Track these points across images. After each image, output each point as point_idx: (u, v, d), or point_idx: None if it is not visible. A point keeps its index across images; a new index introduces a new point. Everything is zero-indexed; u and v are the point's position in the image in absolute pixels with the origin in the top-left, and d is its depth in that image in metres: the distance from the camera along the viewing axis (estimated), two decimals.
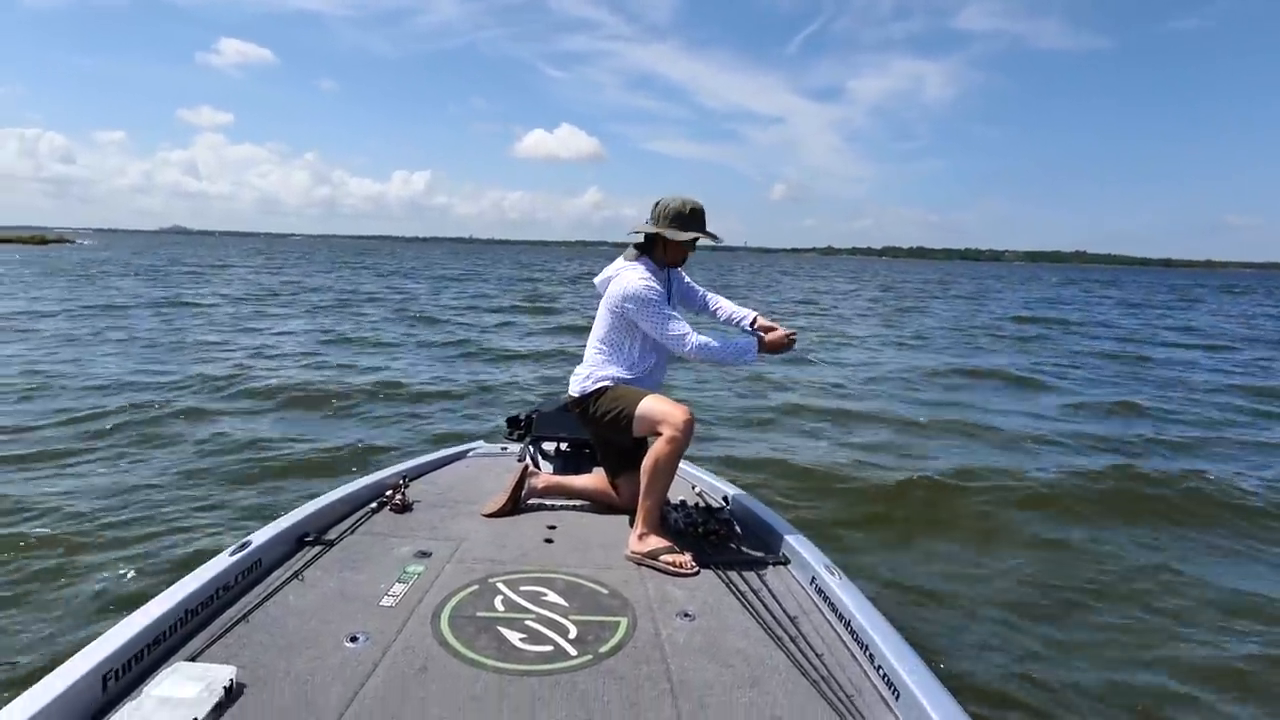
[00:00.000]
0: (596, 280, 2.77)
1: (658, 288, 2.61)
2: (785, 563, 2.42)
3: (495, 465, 3.38)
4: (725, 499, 2.93)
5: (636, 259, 2.68)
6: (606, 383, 2.65)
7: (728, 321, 2.90)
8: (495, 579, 2.20)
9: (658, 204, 2.66)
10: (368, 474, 3.02)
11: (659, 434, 2.49)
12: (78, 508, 4.09)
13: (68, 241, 79.22)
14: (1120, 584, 3.69)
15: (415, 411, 6.93)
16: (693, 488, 3.11)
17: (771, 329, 2.73)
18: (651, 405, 2.53)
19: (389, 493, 2.81)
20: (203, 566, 2.01)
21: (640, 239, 2.71)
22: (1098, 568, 3.86)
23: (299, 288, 23.48)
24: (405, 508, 2.76)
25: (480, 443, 3.71)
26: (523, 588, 2.16)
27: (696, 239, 2.68)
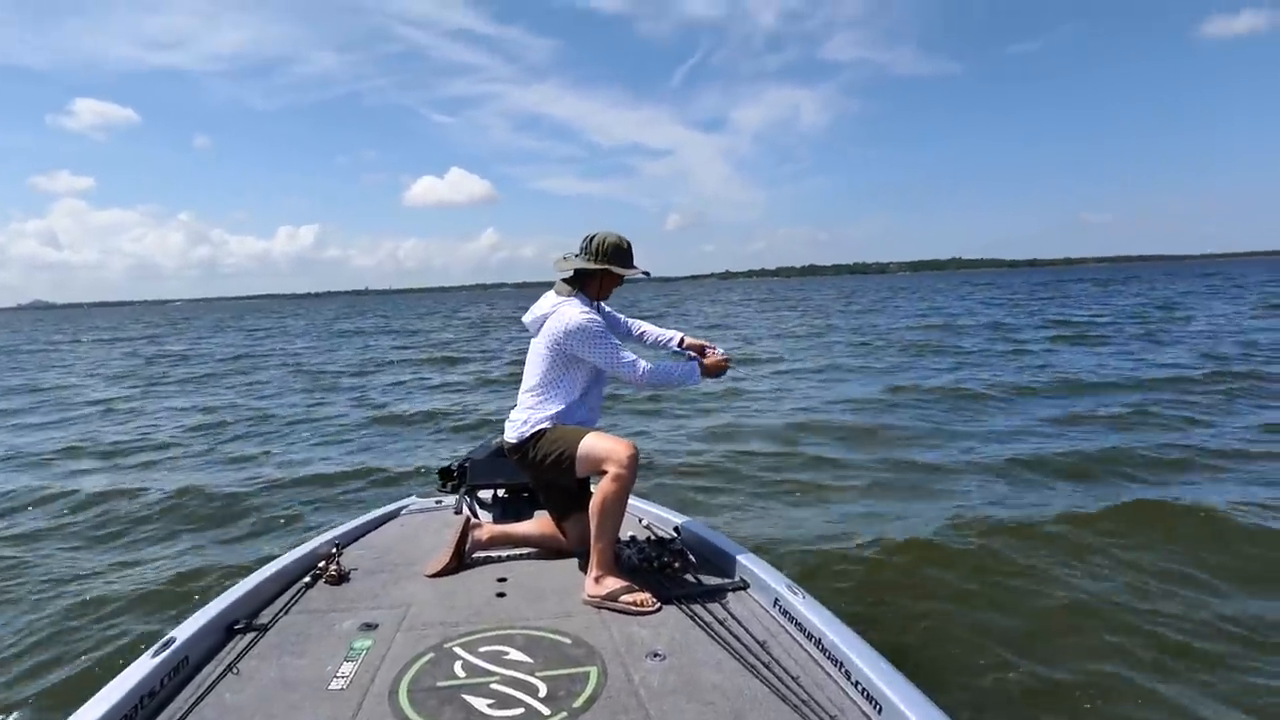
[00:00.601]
0: (526, 319, 2.72)
1: (600, 319, 2.61)
2: (745, 587, 2.41)
3: (432, 521, 3.23)
4: (675, 529, 2.90)
5: (571, 294, 2.66)
6: (545, 424, 2.59)
7: (655, 345, 2.97)
8: (451, 643, 2.09)
9: (592, 239, 2.65)
10: (294, 547, 2.81)
11: (604, 472, 2.45)
12: None
13: None
14: (1108, 604, 3.55)
15: (331, 493, 6.12)
16: (640, 521, 3.06)
17: (699, 346, 2.84)
18: (593, 443, 2.49)
19: (321, 564, 2.63)
20: (121, 674, 1.80)
21: (569, 274, 2.69)
22: (1083, 590, 3.70)
23: (175, 359, 21.66)
24: (342, 578, 2.58)
25: (412, 498, 3.54)
26: (482, 649, 2.05)
27: (643, 274, 2.75)
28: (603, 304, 2.87)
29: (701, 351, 2.80)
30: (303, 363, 18.78)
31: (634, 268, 2.71)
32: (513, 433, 2.65)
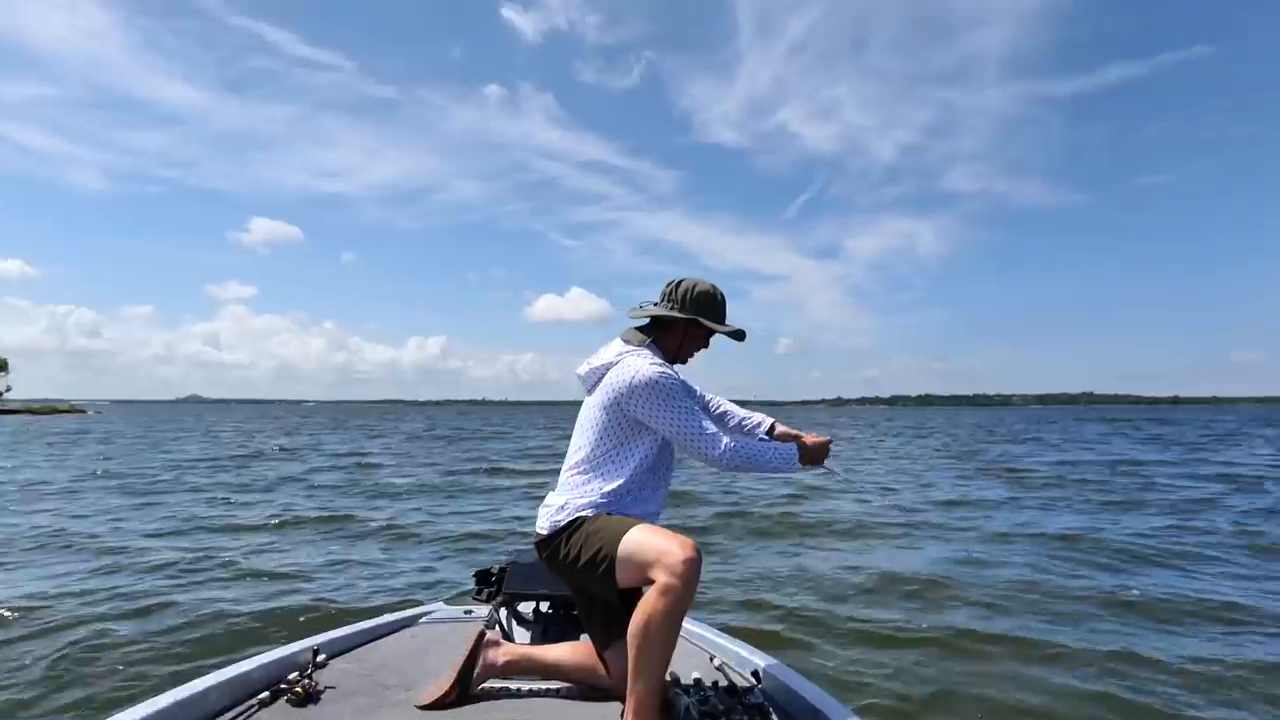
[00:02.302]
0: (580, 371, 2.13)
1: (677, 376, 2.02)
2: None
3: (452, 635, 2.60)
4: (755, 674, 2.15)
5: (643, 343, 2.10)
6: (586, 512, 1.97)
7: (739, 429, 2.33)
8: None
9: (679, 285, 2.11)
10: (274, 647, 2.25)
11: (651, 581, 1.78)
12: None
13: (79, 412, 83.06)
14: None
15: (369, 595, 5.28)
16: (711, 659, 2.32)
17: (793, 435, 2.21)
18: (641, 539, 1.83)
19: (292, 676, 2.05)
20: None
21: (644, 322, 2.14)
22: None
23: (291, 455, 22.79)
24: (309, 697, 1.98)
25: (438, 605, 2.93)
26: None
27: (733, 333, 2.15)
28: (678, 369, 2.28)
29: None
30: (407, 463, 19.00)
31: (726, 325, 2.14)
32: (545, 521, 2.03)
